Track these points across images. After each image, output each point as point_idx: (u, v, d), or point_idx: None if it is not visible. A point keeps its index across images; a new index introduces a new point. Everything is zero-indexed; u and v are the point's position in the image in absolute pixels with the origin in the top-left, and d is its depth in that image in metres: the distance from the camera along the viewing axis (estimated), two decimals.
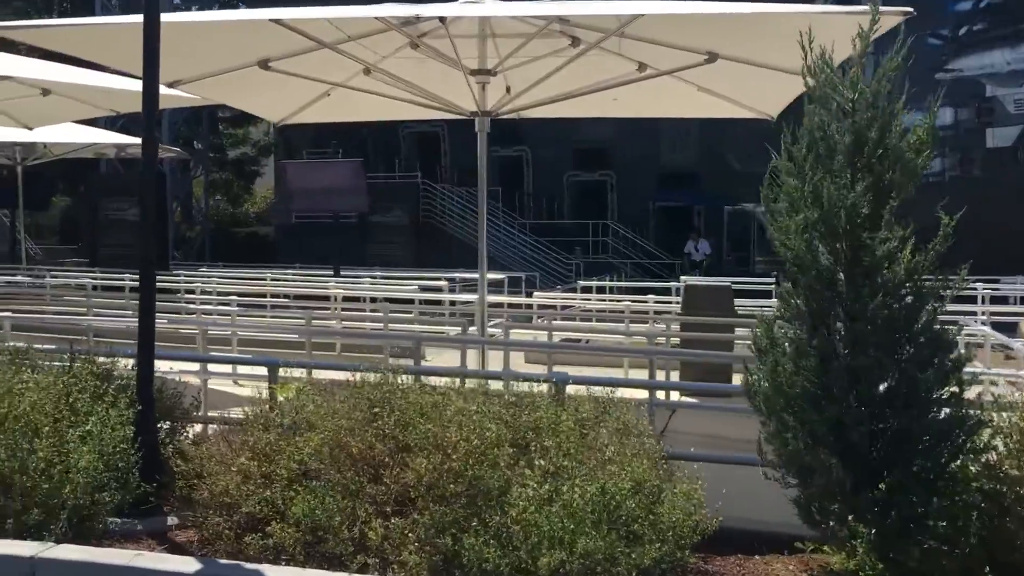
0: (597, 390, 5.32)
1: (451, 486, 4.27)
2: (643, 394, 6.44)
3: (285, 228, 27.69)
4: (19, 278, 15.71)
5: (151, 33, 5.21)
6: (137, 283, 15.19)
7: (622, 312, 11.45)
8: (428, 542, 4.19)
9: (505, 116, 9.09)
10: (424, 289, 14.09)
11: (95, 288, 15.70)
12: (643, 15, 7.00)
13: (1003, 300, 15.50)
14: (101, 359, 5.57)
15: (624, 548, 4.07)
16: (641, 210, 32.10)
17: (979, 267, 15.53)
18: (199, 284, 13.17)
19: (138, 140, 17.24)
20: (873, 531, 3.65)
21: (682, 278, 16.76)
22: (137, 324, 5.33)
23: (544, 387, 5.35)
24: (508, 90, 9.24)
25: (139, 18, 6.53)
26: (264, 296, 14.43)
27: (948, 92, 20.93)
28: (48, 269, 17.20)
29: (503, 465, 4.33)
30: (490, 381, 5.54)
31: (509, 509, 4.17)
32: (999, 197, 18.68)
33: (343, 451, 4.57)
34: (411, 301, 13.13)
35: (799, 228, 4.03)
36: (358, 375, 5.05)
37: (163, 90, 9.80)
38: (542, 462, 4.30)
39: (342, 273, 18.48)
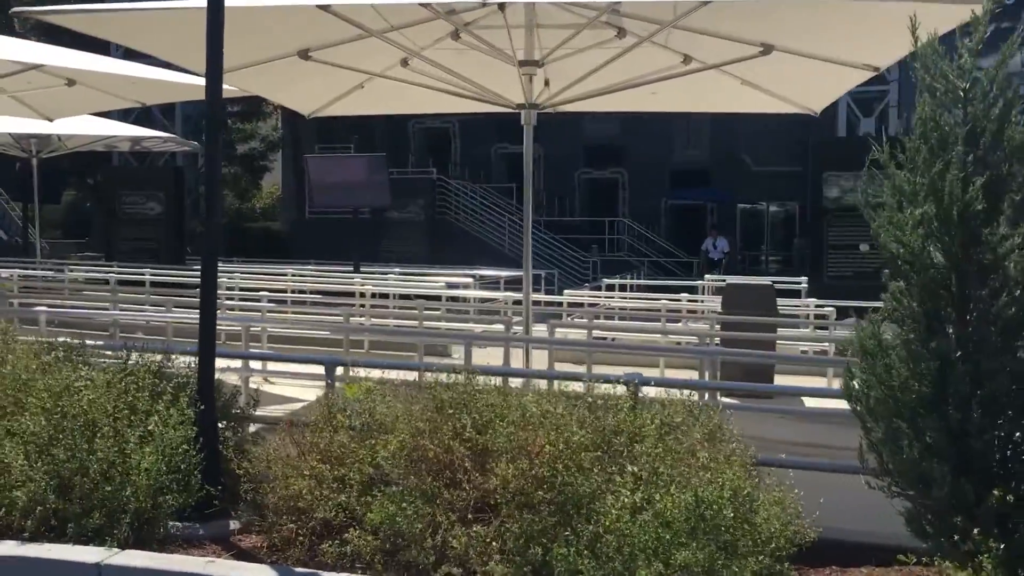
0: (656, 391, 5.11)
1: (539, 493, 4.07)
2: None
3: (298, 224, 27.51)
4: (36, 272, 15.49)
5: (215, 19, 4.99)
6: (157, 278, 15.08)
7: (658, 311, 11.23)
8: (516, 552, 3.99)
9: (548, 110, 8.81)
10: (450, 286, 13.87)
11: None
12: (707, 2, 6.76)
13: None
14: (155, 356, 5.36)
15: (724, 560, 3.87)
16: (653, 208, 31.96)
17: None
18: (223, 279, 12.93)
19: (155, 133, 17.08)
20: (1002, 546, 3.45)
21: (706, 276, 16.59)
22: (162, 319, 5.13)
23: (610, 388, 5.15)
24: (547, 83, 9.05)
25: (189, 3, 6.34)
26: (287, 292, 14.21)
27: None
28: (64, 263, 16.99)
29: (593, 471, 4.13)
30: (554, 382, 5.34)
31: (601, 518, 3.96)
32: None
33: (420, 455, 4.37)
34: (454, 299, 12.92)
35: (915, 223, 3.82)
36: (429, 375, 4.84)
37: (195, 80, 9.71)
38: (634, 468, 4.09)
39: (362, 269, 18.30)
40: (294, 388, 6.99)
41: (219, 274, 16.51)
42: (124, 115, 19.61)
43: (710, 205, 32.07)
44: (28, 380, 4.95)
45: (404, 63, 9.04)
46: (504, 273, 16.25)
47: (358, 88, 9.92)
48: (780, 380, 9.40)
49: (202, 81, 9.70)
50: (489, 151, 33.61)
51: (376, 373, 5.29)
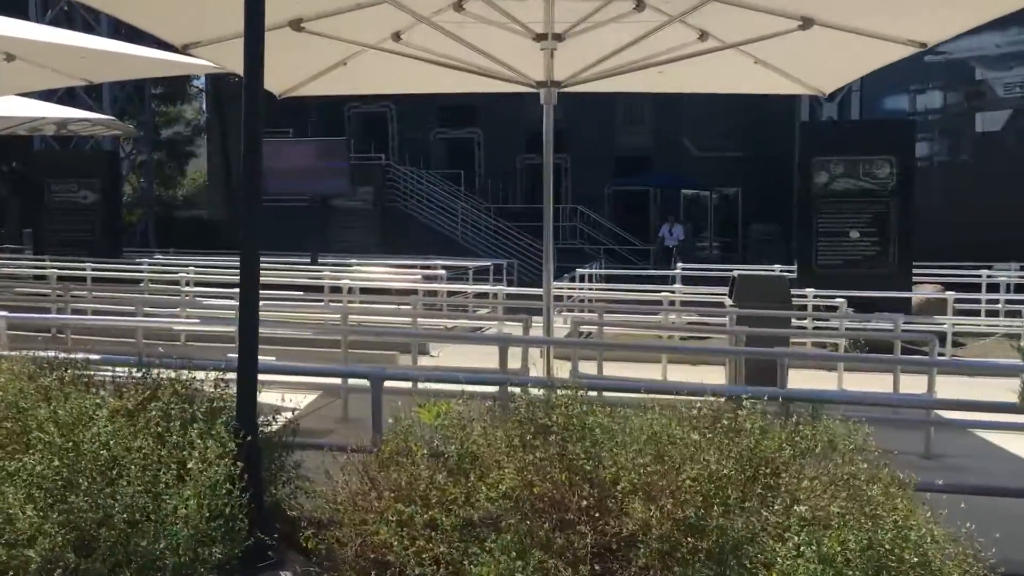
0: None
1: (689, 540, 3.40)
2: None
3: (231, 214, 26.19)
4: None
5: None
6: (101, 273, 13.89)
7: (659, 304, 10.68)
8: None
9: (568, 89, 8.11)
10: (426, 279, 13.09)
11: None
12: None
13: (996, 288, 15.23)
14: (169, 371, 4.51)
15: None
16: (596, 194, 31.47)
17: (970, 254, 15.28)
18: (181, 274, 11.91)
19: (91, 114, 15.79)
20: None
21: (679, 266, 16.14)
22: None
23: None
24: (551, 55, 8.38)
25: None
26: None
27: (937, 75, 20.83)
28: None
29: (747, 509, 3.48)
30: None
31: (766, 571, 3.32)
32: (988, 182, 18.55)
33: (527, 492, 3.66)
34: (431, 292, 12.13)
35: None
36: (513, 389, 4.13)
37: (167, 55, 8.71)
38: (801, 508, 3.45)
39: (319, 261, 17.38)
40: (274, 393, 6.16)
41: (167, 268, 15.49)
42: (47, 96, 18.17)
43: (653, 191, 31.73)
44: (28, 409, 4.07)
45: (396, 37, 8.30)
46: (473, 263, 15.53)
47: (340, 65, 9.12)
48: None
49: (161, 54, 8.79)
50: (428, 136, 32.71)
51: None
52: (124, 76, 10.27)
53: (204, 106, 36.99)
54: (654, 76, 8.90)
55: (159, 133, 31.69)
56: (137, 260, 15.59)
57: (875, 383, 8.38)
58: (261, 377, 4.51)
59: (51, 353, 4.56)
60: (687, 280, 15.49)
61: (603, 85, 8.44)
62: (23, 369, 4.44)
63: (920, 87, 21.60)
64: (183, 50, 7.55)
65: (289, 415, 4.84)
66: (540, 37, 7.45)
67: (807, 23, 7.26)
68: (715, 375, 10.34)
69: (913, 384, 7.68)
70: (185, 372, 4.35)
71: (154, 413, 4.06)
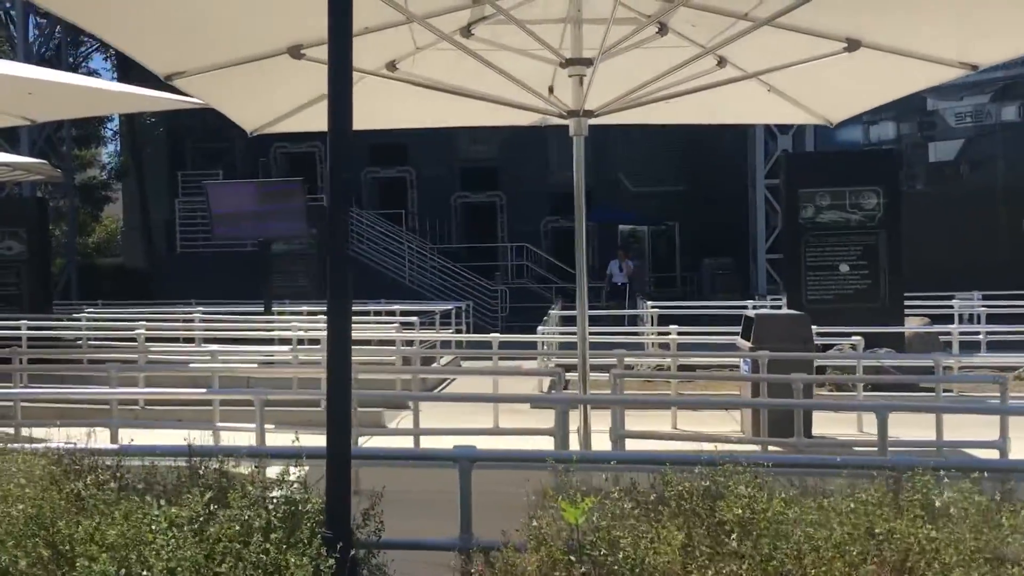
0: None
1: None
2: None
3: (164, 260, 24.81)
4: None
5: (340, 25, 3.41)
6: (35, 330, 12.62)
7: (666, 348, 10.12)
8: None
9: (599, 119, 7.48)
10: (405, 326, 12.25)
11: None
12: None
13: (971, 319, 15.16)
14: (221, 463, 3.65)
15: None
16: (533, 231, 30.99)
17: (929, 283, 15.16)
18: (140, 329, 10.80)
19: (16, 158, 14.54)
20: None
21: (648, 304, 15.63)
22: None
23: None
24: (551, 90, 7.79)
25: None
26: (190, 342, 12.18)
27: (890, 106, 20.87)
28: None
29: None
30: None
31: None
32: (943, 211, 18.65)
33: None
34: (408, 342, 11.25)
35: None
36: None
37: (132, 89, 7.79)
38: None
39: (252, 309, 16.34)
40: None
41: (103, 321, 14.28)
42: None
43: (590, 227, 31.38)
44: (65, 529, 3.18)
45: (392, 67, 7.67)
46: (439, 307, 14.76)
47: (323, 99, 8.33)
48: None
49: (122, 87, 7.86)
50: (359, 176, 31.82)
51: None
52: (79, 113, 9.25)
53: (119, 148, 35.41)
54: (670, 106, 8.39)
55: (72, 176, 30.00)
56: (72, 316, 14.36)
57: (916, 427, 7.93)
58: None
59: (70, 444, 3.66)
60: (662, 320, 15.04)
61: (629, 116, 7.85)
62: (40, 469, 3.53)
63: (873, 118, 21.81)
64: (166, 80, 6.69)
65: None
66: (569, 62, 6.84)
67: (853, 45, 6.82)
68: (720, 421, 9.78)
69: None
70: (251, 464, 3.50)
71: (227, 523, 3.20)
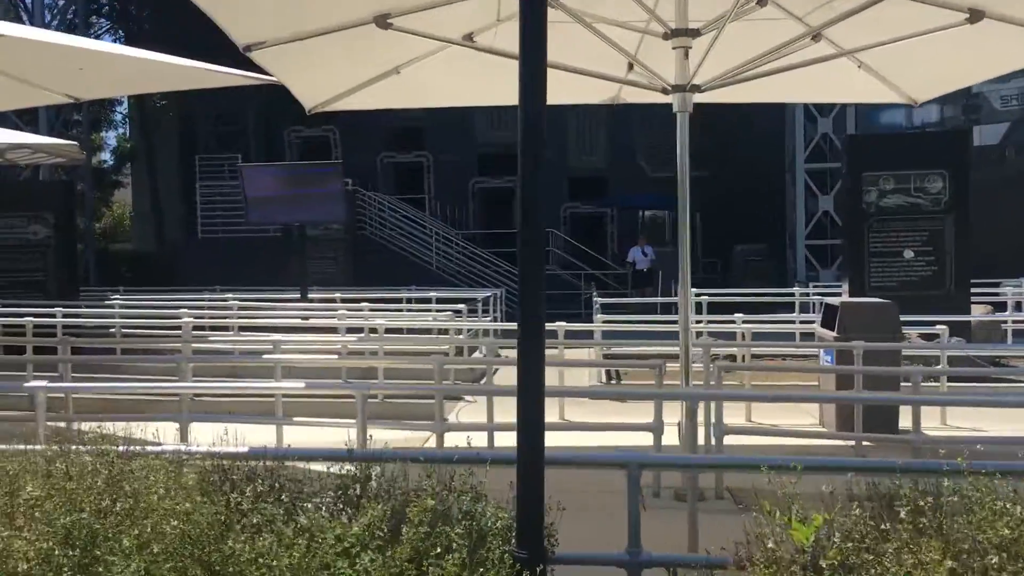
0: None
1: None
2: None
3: (181, 247, 24.34)
4: None
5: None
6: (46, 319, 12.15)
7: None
8: None
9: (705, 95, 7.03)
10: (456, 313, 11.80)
11: None
12: None
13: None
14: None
15: None
16: (551, 216, 30.55)
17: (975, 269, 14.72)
18: (185, 318, 10.33)
19: (45, 139, 14.10)
20: None
21: (691, 291, 15.21)
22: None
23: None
24: (631, 66, 7.39)
25: None
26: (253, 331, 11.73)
27: None
28: None
29: None
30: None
31: None
32: (988, 196, 18.20)
33: None
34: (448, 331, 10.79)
35: None
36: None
37: (202, 64, 7.34)
38: None
39: (276, 295, 15.93)
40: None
41: (129, 309, 13.83)
42: None
43: (610, 212, 31.03)
44: (228, 549, 2.77)
45: (469, 39, 7.28)
46: (478, 294, 14.37)
47: (392, 74, 7.94)
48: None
49: (184, 62, 7.42)
50: (374, 160, 31.33)
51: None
52: (131, 91, 8.78)
53: (128, 133, 34.89)
54: (759, 83, 7.98)
55: (91, 161, 29.55)
56: (104, 303, 13.93)
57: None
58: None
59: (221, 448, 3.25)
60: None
61: (729, 94, 7.41)
62: (189, 476, 3.13)
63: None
64: (245, 51, 6.26)
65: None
66: (675, 33, 6.41)
67: (976, 16, 6.41)
68: (790, 414, 9.36)
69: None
70: (427, 472, 3.08)
71: (415, 539, 2.80)
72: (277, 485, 3.07)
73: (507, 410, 8.41)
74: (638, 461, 3.57)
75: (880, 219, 12.05)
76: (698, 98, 7.28)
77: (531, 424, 3.00)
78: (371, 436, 5.12)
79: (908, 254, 11.92)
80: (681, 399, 5.03)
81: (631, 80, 6.94)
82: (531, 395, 3.00)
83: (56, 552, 2.79)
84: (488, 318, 15.01)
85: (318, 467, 3.29)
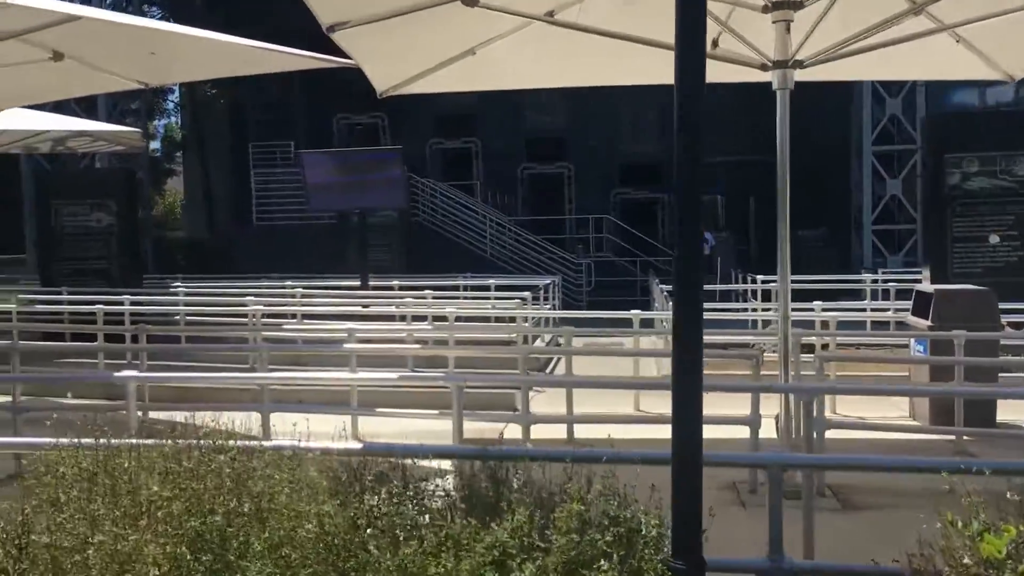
0: None
1: None
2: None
3: (237, 235, 24.40)
4: None
5: None
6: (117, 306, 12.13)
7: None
8: None
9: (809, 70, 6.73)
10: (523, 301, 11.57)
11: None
12: None
13: None
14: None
15: None
16: (601, 203, 30.19)
17: None
18: (250, 304, 10.26)
19: (112, 127, 14.11)
20: None
21: (757, 279, 14.82)
22: None
23: None
24: (715, 43, 7.10)
25: None
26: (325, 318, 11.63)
27: None
28: None
29: None
30: None
31: None
32: None
33: None
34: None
35: None
36: None
37: (281, 48, 7.17)
38: None
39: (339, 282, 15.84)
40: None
41: (195, 297, 13.81)
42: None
43: (664, 199, 30.56)
44: (369, 556, 2.58)
45: (550, 15, 7.08)
46: (538, 281, 14.15)
47: (467, 55, 7.74)
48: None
49: (264, 45, 7.26)
50: (423, 146, 31.17)
51: None
52: (203, 75, 8.65)
53: (179, 121, 35.11)
54: (856, 60, 7.64)
55: (148, 149, 29.77)
56: (165, 290, 13.93)
57: None
58: None
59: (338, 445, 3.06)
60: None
61: (832, 71, 7.11)
62: (318, 474, 2.95)
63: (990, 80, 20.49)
64: (328, 31, 6.10)
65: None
66: (776, 6, 6.12)
67: None
68: (875, 407, 8.99)
69: None
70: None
71: (567, 548, 2.58)
72: (410, 485, 2.87)
73: (579, 401, 8.23)
74: (780, 462, 3.34)
75: (963, 203, 11.62)
76: (799, 75, 7.02)
77: (689, 417, 2.77)
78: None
79: (994, 239, 11.47)
80: (788, 392, 4.78)
81: (721, 55, 6.63)
82: (689, 384, 2.77)
83: (188, 557, 2.62)
84: (548, 306, 14.79)
85: (425, 464, 3.10)
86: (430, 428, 6.50)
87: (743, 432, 6.17)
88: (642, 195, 30.45)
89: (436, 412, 6.54)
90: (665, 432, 6.76)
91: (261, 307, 10.46)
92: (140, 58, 8.35)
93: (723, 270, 20.08)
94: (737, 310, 14.43)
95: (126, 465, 3.16)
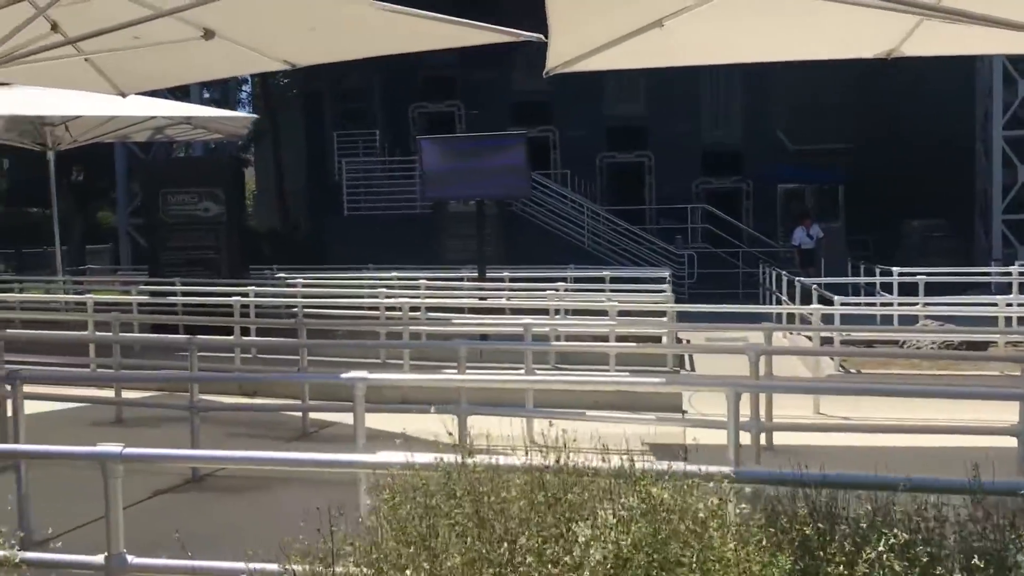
0: None
1: None
2: None
3: (324, 225, 24.07)
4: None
5: None
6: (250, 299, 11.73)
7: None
8: None
9: None
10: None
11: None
12: None
13: None
14: None
15: None
16: (683, 192, 29.39)
17: None
18: (384, 296, 9.75)
19: (222, 112, 13.71)
20: None
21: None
22: None
23: None
24: None
25: None
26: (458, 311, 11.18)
27: None
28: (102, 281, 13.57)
29: None
30: None
31: None
32: None
33: None
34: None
35: None
36: None
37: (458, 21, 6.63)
38: None
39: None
40: None
41: (312, 288, 13.40)
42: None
43: (745, 188, 29.75)
44: None
45: None
46: (654, 273, 13.57)
47: (654, 27, 7.12)
48: None
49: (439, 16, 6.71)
50: None
51: None
52: (366, 53, 8.12)
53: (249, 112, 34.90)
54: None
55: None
56: (283, 278, 13.55)
57: None
58: None
59: None
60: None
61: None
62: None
63: None
64: None
65: None
66: None
67: None
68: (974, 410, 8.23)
69: None
70: None
71: None
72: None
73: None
74: None
75: None
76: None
77: None
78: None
79: None
80: None
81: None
82: None
83: None
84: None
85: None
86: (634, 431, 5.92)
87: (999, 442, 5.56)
88: (726, 183, 29.60)
89: (653, 416, 5.97)
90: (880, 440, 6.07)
91: (407, 300, 10.01)
92: (294, 36, 7.88)
93: (829, 262, 19.21)
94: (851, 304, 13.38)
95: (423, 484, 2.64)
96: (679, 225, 26.35)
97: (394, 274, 14.84)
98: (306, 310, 11.22)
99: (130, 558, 3.26)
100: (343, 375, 4.79)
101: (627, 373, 8.92)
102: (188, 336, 7.34)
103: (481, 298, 12.65)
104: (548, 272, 15.69)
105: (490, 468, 2.73)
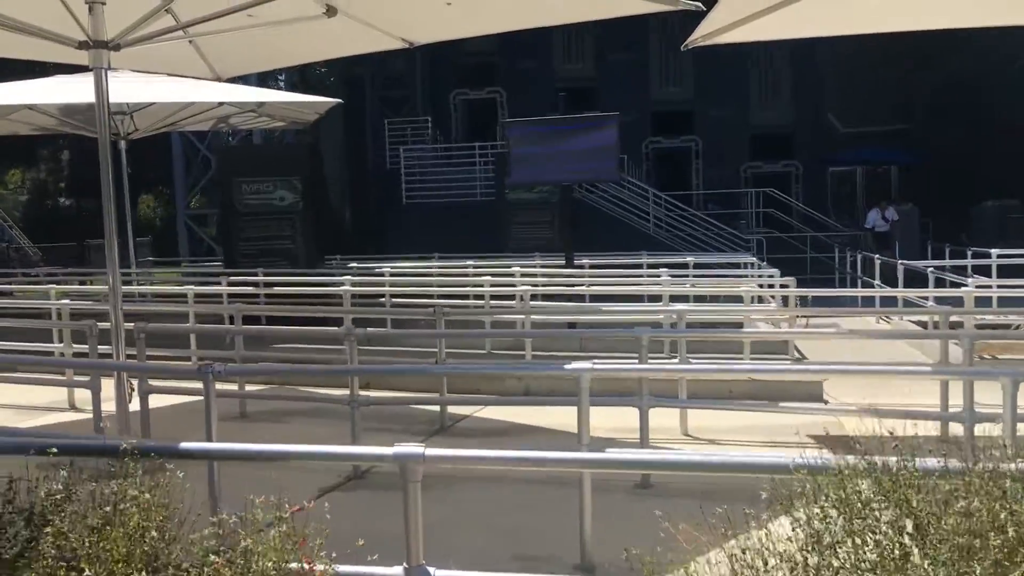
0: None
1: None
2: None
3: (384, 214, 23.70)
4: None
5: None
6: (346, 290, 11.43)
7: None
8: None
9: None
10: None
11: None
12: None
13: None
14: None
15: None
16: (731, 177, 28.91)
17: None
18: (523, 285, 9.38)
19: (303, 97, 13.35)
20: None
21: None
22: None
23: None
24: None
25: None
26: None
27: None
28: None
29: None
30: None
31: None
32: None
33: None
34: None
35: None
36: None
37: None
38: None
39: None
40: None
41: (400, 277, 13.09)
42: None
43: (796, 171, 29.24)
44: None
45: None
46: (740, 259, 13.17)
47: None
48: None
49: None
50: None
51: None
52: (500, 28, 7.76)
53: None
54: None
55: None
56: (376, 271, 13.23)
57: None
58: None
59: None
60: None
61: None
62: None
63: None
64: None
65: None
66: None
67: None
68: None
69: None
70: None
71: None
72: None
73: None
74: None
75: None
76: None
77: None
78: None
79: None
80: None
81: None
82: None
83: None
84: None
85: None
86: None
87: None
88: (775, 167, 29.09)
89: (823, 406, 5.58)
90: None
91: (528, 288, 9.67)
92: (422, 12, 7.54)
93: (904, 245, 18.75)
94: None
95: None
96: (730, 211, 25.87)
97: (469, 262, 14.50)
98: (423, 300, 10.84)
99: (431, 570, 2.93)
100: (567, 366, 4.44)
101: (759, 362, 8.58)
102: (346, 328, 6.99)
103: (569, 286, 12.28)
104: (623, 259, 15.34)
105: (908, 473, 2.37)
